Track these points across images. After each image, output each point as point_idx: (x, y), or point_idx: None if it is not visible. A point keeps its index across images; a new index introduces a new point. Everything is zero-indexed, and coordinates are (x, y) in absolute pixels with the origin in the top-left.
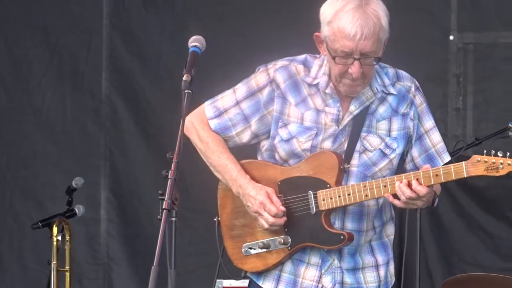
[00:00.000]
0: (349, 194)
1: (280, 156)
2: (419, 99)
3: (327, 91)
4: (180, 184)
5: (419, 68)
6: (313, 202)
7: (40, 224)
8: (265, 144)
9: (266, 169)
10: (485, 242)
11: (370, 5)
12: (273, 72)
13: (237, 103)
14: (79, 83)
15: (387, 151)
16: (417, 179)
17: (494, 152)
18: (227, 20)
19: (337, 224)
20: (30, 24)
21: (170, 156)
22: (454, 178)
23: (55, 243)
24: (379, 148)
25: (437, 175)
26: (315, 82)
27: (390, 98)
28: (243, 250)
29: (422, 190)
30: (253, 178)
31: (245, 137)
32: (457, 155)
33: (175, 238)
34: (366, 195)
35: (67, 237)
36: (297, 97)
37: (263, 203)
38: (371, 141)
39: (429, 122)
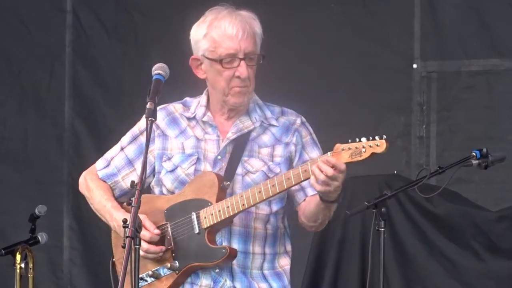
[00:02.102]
0: (227, 207)
1: (167, 188)
2: (304, 131)
3: (205, 119)
4: None
5: (382, 97)
6: (196, 222)
7: (3, 252)
8: (152, 181)
9: (153, 201)
10: (448, 270)
11: (241, 11)
12: None
13: (122, 149)
14: (41, 110)
15: (270, 174)
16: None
17: (358, 139)
18: (190, 48)
19: (224, 244)
20: None
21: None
22: None
23: (18, 270)
24: (262, 170)
25: (305, 171)
26: (193, 115)
27: (274, 129)
28: None
29: (340, 164)
30: (142, 212)
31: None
32: (420, 184)
33: (139, 265)
34: (243, 204)
35: (30, 265)
36: (176, 130)
37: None
38: (253, 163)
39: (314, 152)
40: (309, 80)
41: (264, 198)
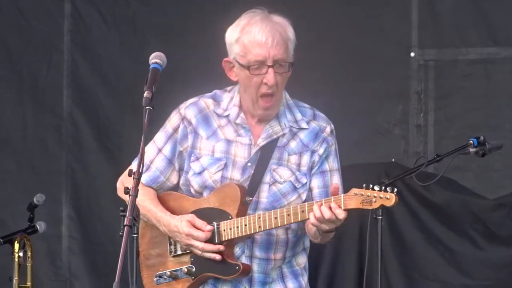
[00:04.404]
0: (245, 225)
1: (194, 189)
2: (331, 141)
3: (238, 121)
4: None
5: (380, 85)
6: (216, 232)
7: (1, 241)
8: (180, 180)
9: (181, 201)
10: (446, 258)
11: (274, 17)
12: (184, 110)
13: (159, 150)
14: (40, 100)
15: (297, 184)
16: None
17: (372, 186)
18: (188, 37)
19: (246, 253)
20: None
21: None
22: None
23: (16, 259)
24: (290, 181)
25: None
26: (226, 113)
27: (302, 134)
28: (155, 279)
29: (340, 213)
30: (170, 208)
31: (175, 178)
32: (418, 172)
33: (137, 254)
34: (260, 226)
35: (29, 254)
36: (208, 130)
37: (189, 233)
38: (282, 173)
39: (334, 164)
40: (307, 70)
41: (279, 225)
